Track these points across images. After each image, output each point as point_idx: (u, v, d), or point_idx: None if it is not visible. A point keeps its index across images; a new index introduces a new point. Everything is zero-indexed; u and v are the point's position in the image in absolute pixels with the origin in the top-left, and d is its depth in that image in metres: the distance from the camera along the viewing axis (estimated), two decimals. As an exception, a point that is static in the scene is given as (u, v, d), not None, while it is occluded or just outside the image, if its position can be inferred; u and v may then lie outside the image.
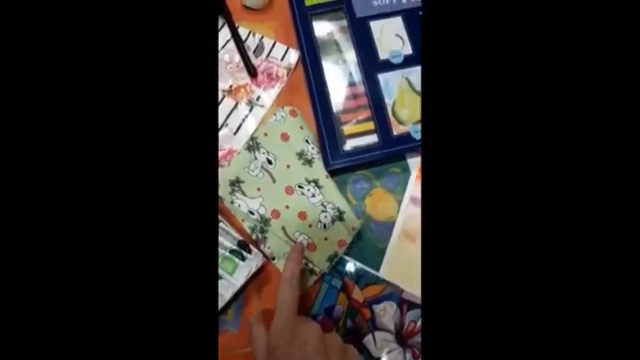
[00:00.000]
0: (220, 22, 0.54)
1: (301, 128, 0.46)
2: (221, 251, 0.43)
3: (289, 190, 0.45)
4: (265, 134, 0.46)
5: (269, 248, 0.44)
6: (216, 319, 0.41)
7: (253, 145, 0.46)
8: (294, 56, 0.52)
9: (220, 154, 0.48)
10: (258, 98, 0.51)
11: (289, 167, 0.46)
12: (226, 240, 0.43)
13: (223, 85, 0.51)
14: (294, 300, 0.35)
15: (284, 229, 0.44)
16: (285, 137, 0.46)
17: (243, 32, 0.53)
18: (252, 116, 0.50)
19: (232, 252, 0.43)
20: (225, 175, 0.45)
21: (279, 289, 0.35)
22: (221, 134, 0.49)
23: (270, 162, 0.46)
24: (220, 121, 0.50)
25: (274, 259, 0.44)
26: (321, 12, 0.51)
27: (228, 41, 0.53)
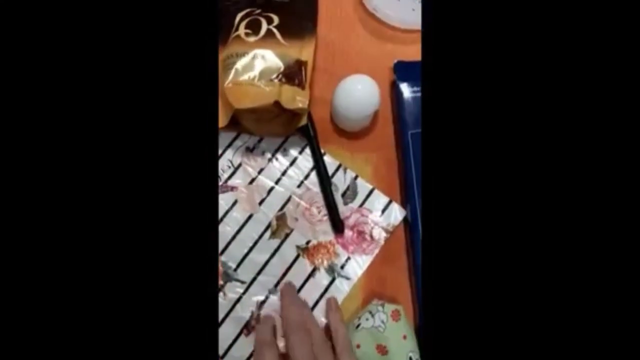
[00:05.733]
0: (302, 142, 0.40)
1: (404, 338, 0.35)
2: None
3: (378, 421, 0.34)
4: (358, 346, 0.35)
5: None
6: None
7: (340, 358, 0.34)
8: (397, 215, 0.39)
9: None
10: (343, 265, 0.38)
11: (382, 389, 0.34)
12: None
13: (298, 239, 0.39)
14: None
15: None
16: (382, 351, 0.34)
17: (330, 163, 0.40)
18: (333, 291, 0.38)
19: None
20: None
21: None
22: (290, 310, 0.37)
23: (358, 380, 0.35)
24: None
25: None
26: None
27: (309, 173, 0.40)
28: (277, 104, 0.35)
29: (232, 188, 0.39)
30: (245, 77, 0.36)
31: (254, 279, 0.38)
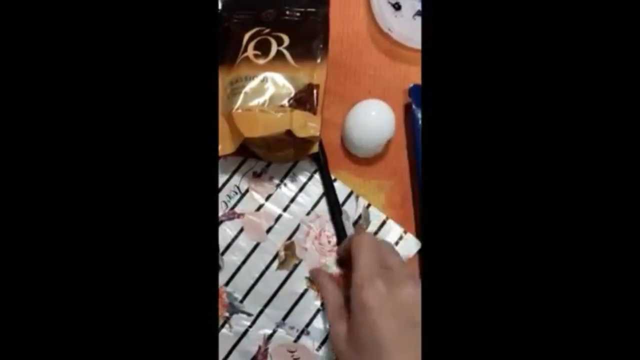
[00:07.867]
0: (311, 167, 0.38)
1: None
2: None
3: None
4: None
5: None
6: None
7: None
8: (412, 246, 0.37)
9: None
10: (354, 298, 0.37)
11: None
12: None
13: (307, 270, 0.37)
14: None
15: None
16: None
17: (341, 190, 0.38)
18: (344, 325, 0.36)
19: None
20: None
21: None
22: (300, 344, 0.36)
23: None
24: (300, 325, 0.36)
25: None
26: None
27: (319, 200, 0.38)
28: (288, 132, 0.33)
29: (239, 215, 0.38)
30: (254, 102, 0.35)
31: (261, 311, 0.36)
